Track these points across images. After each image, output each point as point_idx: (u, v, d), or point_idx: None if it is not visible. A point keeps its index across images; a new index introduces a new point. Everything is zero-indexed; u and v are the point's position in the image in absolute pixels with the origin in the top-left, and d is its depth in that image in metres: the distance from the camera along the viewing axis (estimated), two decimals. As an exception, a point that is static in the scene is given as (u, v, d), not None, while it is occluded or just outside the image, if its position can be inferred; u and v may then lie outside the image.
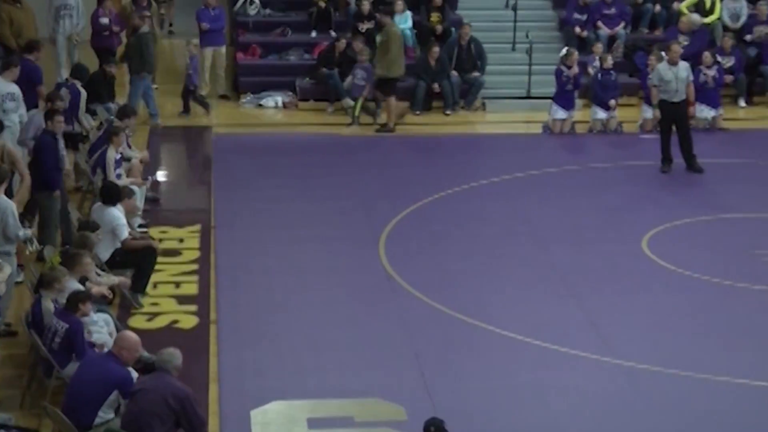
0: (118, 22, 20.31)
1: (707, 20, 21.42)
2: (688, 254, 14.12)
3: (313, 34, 21.60)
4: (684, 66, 17.35)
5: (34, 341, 10.44)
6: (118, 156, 14.62)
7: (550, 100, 19.49)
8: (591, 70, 20.00)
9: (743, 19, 21.54)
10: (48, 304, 10.51)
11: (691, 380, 11.10)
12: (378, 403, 10.64)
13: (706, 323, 12.45)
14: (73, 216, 13.69)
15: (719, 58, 19.97)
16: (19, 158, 13.44)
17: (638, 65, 20.27)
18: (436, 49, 20.21)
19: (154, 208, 15.51)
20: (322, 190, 16.49)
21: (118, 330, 10.82)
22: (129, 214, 13.34)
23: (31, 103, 16.15)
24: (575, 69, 19.25)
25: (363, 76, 19.41)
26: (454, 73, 20.38)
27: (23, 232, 11.77)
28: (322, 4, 21.59)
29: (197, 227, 14.93)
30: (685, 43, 20.01)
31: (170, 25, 25.83)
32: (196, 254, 14.07)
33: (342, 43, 20.16)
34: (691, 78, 17.49)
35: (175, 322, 12.28)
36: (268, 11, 22.29)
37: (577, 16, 21.51)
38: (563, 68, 19.26)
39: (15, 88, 15.17)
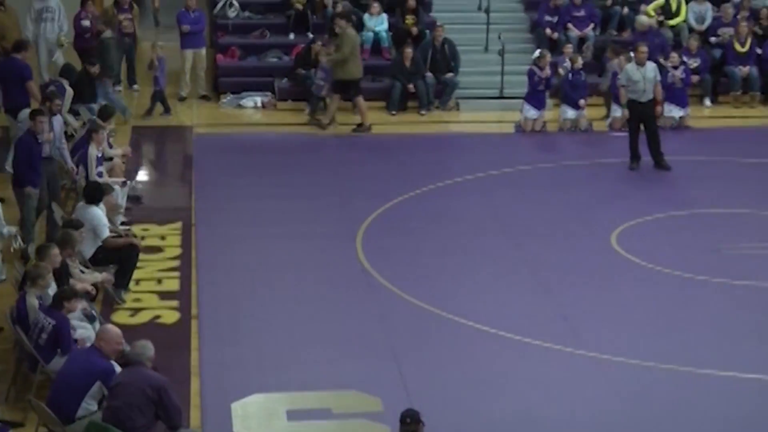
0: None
1: (672, 22, 21.53)
2: (656, 249, 14.17)
3: (291, 36, 21.58)
4: (651, 67, 17.42)
5: (19, 337, 10.41)
6: (99, 154, 14.59)
7: (521, 100, 19.53)
8: (561, 71, 20.05)
9: (708, 21, 21.64)
10: (33, 301, 10.48)
11: (659, 371, 11.15)
12: (355, 395, 10.65)
13: (673, 316, 12.50)
14: (57, 214, 13.64)
15: (685, 59, 20.06)
16: None
17: (607, 66, 20.32)
18: (410, 50, 20.24)
19: (136, 206, 15.47)
20: (300, 188, 16.49)
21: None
22: (110, 211, 13.31)
23: (22, 101, 16.14)
24: (547, 70, 19.31)
25: (322, 77, 19.42)
26: (429, 74, 20.40)
27: (7, 230, 11.73)
28: (300, 7, 21.57)
29: (178, 225, 14.91)
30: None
31: (157, 11, 25.93)
32: (178, 251, 14.05)
33: (318, 45, 20.16)
34: (659, 78, 17.56)
35: (157, 317, 12.27)
36: (247, 14, 22.26)
37: (547, 18, 21.56)
38: (536, 69, 19.31)
39: None
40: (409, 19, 21.23)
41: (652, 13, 21.33)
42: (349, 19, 19.54)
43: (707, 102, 20.87)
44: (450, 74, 20.48)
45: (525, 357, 11.49)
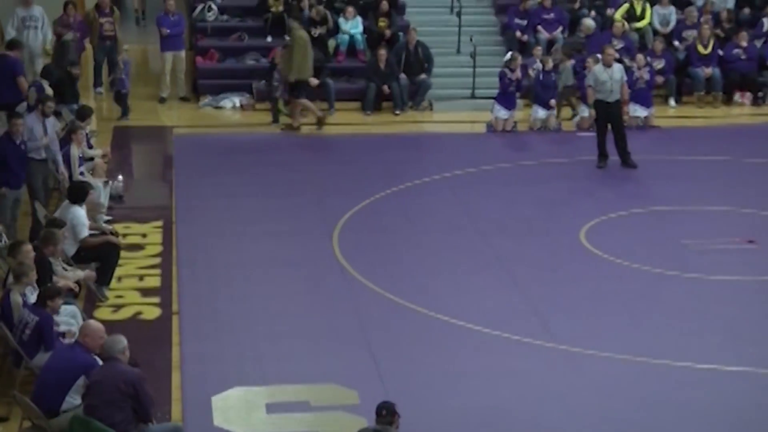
0: (79, 29, 20.16)
1: (638, 25, 21.60)
2: (623, 245, 14.21)
3: (269, 39, 21.52)
4: (618, 68, 17.47)
5: (3, 333, 10.33)
6: (80, 154, 14.50)
7: (493, 100, 19.55)
8: (531, 73, 20.09)
9: (672, 24, 21.73)
10: (17, 298, 10.41)
11: (628, 363, 11.18)
12: (332, 388, 10.63)
13: (639, 309, 12.53)
14: (39, 213, 13.56)
15: (650, 61, 20.12)
16: None
17: (576, 68, 20.36)
18: (384, 52, 20.23)
19: (117, 205, 15.40)
20: (278, 186, 16.45)
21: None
22: (91, 210, 13.24)
23: (13, 97, 16.09)
24: (518, 72, 19.34)
25: (277, 78, 19.40)
26: (403, 75, 20.40)
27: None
28: (276, 10, 21.50)
29: (159, 223, 14.85)
30: (620, 46, 20.17)
31: (143, 12, 25.91)
32: (159, 249, 13.99)
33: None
34: (625, 79, 17.60)
35: (139, 313, 12.21)
36: (225, 17, 22.19)
37: (517, 21, 21.60)
38: (507, 71, 19.33)
39: None
40: (382, 22, 21.23)
41: (620, 18, 21.42)
42: (300, 20, 19.51)
43: (672, 102, 20.96)
44: (423, 76, 20.48)
45: (497, 350, 11.49)
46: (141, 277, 13.13)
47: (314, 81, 19.99)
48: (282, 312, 12.35)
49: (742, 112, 20.82)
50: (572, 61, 19.68)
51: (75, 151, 14.33)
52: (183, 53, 20.87)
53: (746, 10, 22.39)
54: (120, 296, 12.56)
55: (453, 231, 14.77)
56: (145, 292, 12.75)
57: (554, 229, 14.81)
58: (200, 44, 21.67)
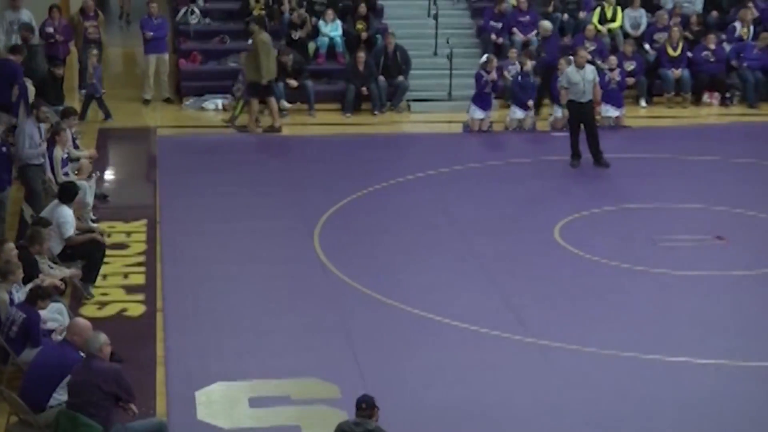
0: (64, 32, 20.09)
1: (612, 26, 21.67)
2: (596, 241, 14.25)
3: (250, 42, 21.44)
4: (590, 69, 17.50)
5: (-10, 330, 10.29)
6: (65, 155, 14.44)
7: (469, 101, 19.57)
8: (507, 74, 20.12)
9: (643, 26, 21.80)
10: (3, 296, 10.37)
11: (600, 356, 11.21)
12: (314, 383, 10.62)
13: (611, 304, 12.57)
14: (26, 213, 13.49)
15: (622, 62, 20.17)
16: None
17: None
18: (362, 55, 20.24)
19: (102, 204, 15.34)
20: (260, 186, 16.42)
21: (70, 318, 10.70)
22: (78, 209, 13.19)
23: (10, 100, 16.05)
24: (494, 74, 19.37)
25: (241, 80, 19.39)
26: (381, 77, 20.40)
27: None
28: (257, 13, 21.46)
29: (144, 222, 14.80)
30: (592, 48, 20.22)
31: (128, 15, 25.79)
32: (143, 247, 13.95)
33: (275, 51, 20.11)
34: (597, 80, 17.65)
35: (124, 310, 12.17)
36: (207, 20, 22.14)
37: (493, 23, 21.62)
38: (483, 73, 19.35)
39: None
40: (360, 24, 21.22)
41: (595, 22, 21.49)
42: (262, 24, 19.49)
43: (642, 102, 21.03)
44: (401, 78, 20.49)
45: (473, 344, 11.50)
46: (126, 275, 13.09)
47: (293, 83, 20.00)
48: (264, 308, 12.33)
49: (710, 112, 20.90)
50: (533, 63, 19.69)
51: (58, 153, 14.27)
52: (166, 56, 20.82)
53: (714, 14, 22.48)
54: (105, 294, 12.52)
55: (431, 229, 14.78)
56: (130, 289, 12.71)
57: (529, 226, 14.83)
58: (183, 47, 21.61)
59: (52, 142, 14.41)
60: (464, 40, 22.01)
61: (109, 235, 13.89)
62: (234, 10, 22.05)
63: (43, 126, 14.54)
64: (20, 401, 9.15)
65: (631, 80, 20.44)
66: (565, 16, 22.10)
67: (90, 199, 14.40)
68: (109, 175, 17.21)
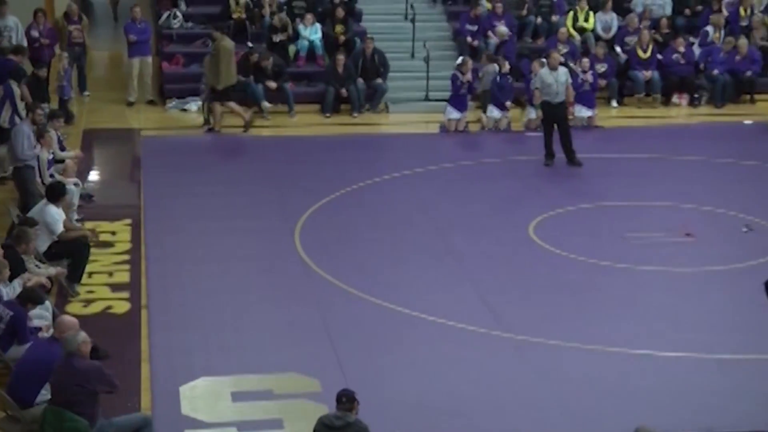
0: (49, 36, 20.01)
1: (586, 25, 21.71)
2: (569, 238, 14.28)
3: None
4: (563, 71, 17.55)
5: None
6: (50, 156, 14.38)
7: (445, 103, 19.59)
8: (481, 75, 20.15)
9: (614, 30, 21.88)
10: (-10, 294, 10.33)
11: (574, 350, 11.24)
12: (295, 377, 10.62)
13: (585, 299, 12.61)
14: (12, 213, 13.43)
15: (594, 64, 20.23)
16: None
17: (523, 71, 20.48)
18: (341, 57, 20.24)
19: (88, 204, 15.29)
20: (242, 185, 16.39)
21: (55, 316, 10.65)
22: (65, 209, 13.14)
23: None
24: (469, 75, 19.39)
25: (204, 82, 19.38)
26: (360, 79, 20.40)
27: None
28: (237, 17, 21.43)
29: (128, 221, 14.76)
30: (564, 51, 20.28)
31: (115, 15, 25.76)
32: (128, 246, 13.90)
33: (255, 56, 20.13)
34: (570, 81, 17.70)
35: (109, 307, 12.13)
36: (190, 24, 22.09)
37: (468, 27, 21.65)
38: (458, 74, 19.37)
39: None
40: (339, 28, 21.22)
41: (569, 25, 21.55)
42: (222, 30, 19.47)
43: (614, 103, 21.10)
44: (379, 80, 20.49)
45: (450, 339, 11.52)
46: (111, 273, 13.04)
47: (272, 85, 19.97)
48: (246, 305, 12.31)
49: (679, 112, 20.99)
50: (495, 66, 19.70)
51: (44, 154, 14.21)
52: (149, 59, 20.77)
53: (683, 17, 22.57)
54: (91, 291, 12.48)
55: (409, 226, 14.79)
56: (115, 287, 12.67)
57: (504, 224, 14.86)
58: (166, 50, 21.55)
59: (37, 144, 14.34)
60: (440, 43, 22.03)
61: (97, 235, 13.84)
62: (215, 14, 21.98)
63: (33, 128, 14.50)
64: (7, 397, 9.10)
65: (602, 82, 20.50)
66: (539, 19, 22.15)
67: (75, 201, 14.35)
68: (94, 175, 17.15)
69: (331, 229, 14.69)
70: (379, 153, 18.53)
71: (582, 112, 19.57)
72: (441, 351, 11.24)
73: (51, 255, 12.33)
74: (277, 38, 20.90)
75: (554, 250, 13.90)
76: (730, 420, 9.72)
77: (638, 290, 12.87)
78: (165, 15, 21.95)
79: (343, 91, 20.17)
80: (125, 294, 12.48)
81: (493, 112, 19.49)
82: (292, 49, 21.17)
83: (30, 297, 10.23)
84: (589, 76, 19.74)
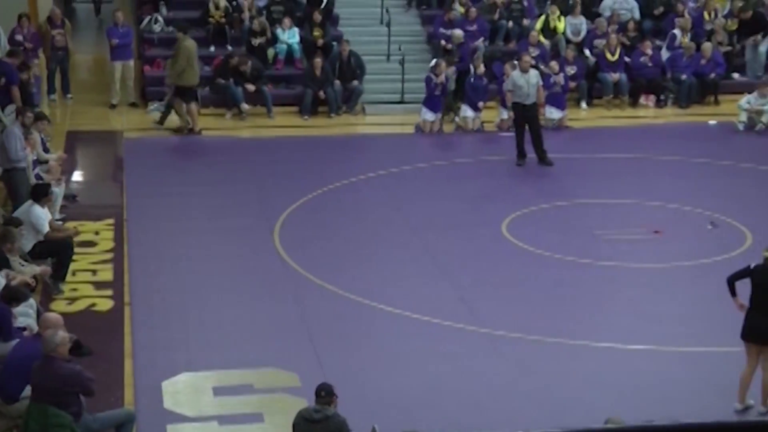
0: (33, 40, 19.89)
1: (558, 24, 21.76)
2: (541, 236, 14.31)
3: (212, 48, 21.38)
4: (534, 73, 17.58)
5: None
6: (34, 158, 14.29)
7: (420, 104, 19.59)
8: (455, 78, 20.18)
9: (583, 33, 21.93)
10: (-25, 292, 10.25)
11: (546, 344, 11.27)
12: (275, 372, 10.59)
13: (556, 294, 12.64)
14: (-2, 213, 13.36)
15: (564, 67, 20.27)
16: None
17: (495, 73, 20.50)
18: (319, 60, 20.21)
19: (71, 204, 15.20)
20: (222, 186, 16.34)
21: (40, 313, 10.59)
22: (51, 209, 13.08)
23: (7, 101, 16.10)
24: (442, 77, 19.39)
25: (168, 83, 19.33)
26: (337, 81, 20.37)
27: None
28: (216, 20, 21.35)
29: (111, 221, 14.68)
30: (535, 53, 20.31)
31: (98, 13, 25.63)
32: (111, 245, 13.84)
33: (235, 59, 20.07)
34: (541, 83, 17.72)
35: (93, 305, 12.07)
36: (170, 28, 21.93)
37: (442, 30, 21.64)
38: (432, 76, 19.37)
39: None
40: (317, 32, 21.19)
41: (539, 29, 21.59)
42: (185, 31, 19.41)
43: (583, 105, 21.14)
44: (355, 82, 20.47)
45: (427, 334, 11.52)
46: (94, 272, 12.98)
47: (251, 87, 19.92)
48: (227, 302, 12.27)
49: (646, 113, 21.06)
50: (453, 69, 19.73)
51: (29, 157, 14.10)
52: (131, 62, 20.67)
53: (651, 21, 22.66)
54: (75, 289, 12.41)
55: (385, 225, 14.78)
56: (99, 285, 12.60)
57: (478, 222, 14.87)
58: (148, 54, 21.45)
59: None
60: (415, 47, 22.02)
61: (78, 233, 13.77)
62: (196, 18, 21.88)
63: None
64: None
65: (572, 84, 20.55)
66: (510, 23, 22.18)
67: (59, 201, 14.28)
68: (77, 176, 17.06)
69: (310, 227, 14.66)
70: (355, 153, 18.52)
71: (553, 113, 19.61)
72: (417, 345, 11.24)
73: (36, 254, 12.27)
74: (256, 42, 20.85)
75: (527, 247, 13.92)
76: (695, 410, 9.75)
77: (608, 285, 12.92)
78: (146, 19, 21.84)
79: (321, 93, 20.14)
80: (108, 292, 12.42)
81: (467, 112, 19.50)
82: (270, 52, 21.12)
83: (14, 295, 10.16)
84: (561, 79, 19.78)
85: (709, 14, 22.33)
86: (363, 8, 22.89)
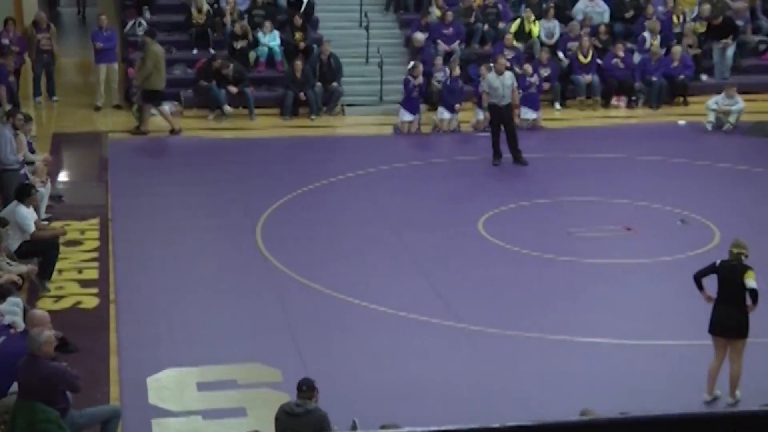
0: (19, 43, 19.78)
1: (532, 28, 21.79)
2: (516, 233, 14.33)
3: (194, 51, 21.31)
4: (509, 75, 17.61)
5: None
6: (21, 159, 14.20)
7: (398, 105, 19.58)
8: (433, 80, 20.18)
9: (556, 36, 21.98)
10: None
11: (521, 339, 11.28)
12: (257, 368, 10.57)
13: (532, 290, 12.66)
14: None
15: (538, 69, 20.32)
16: None
17: (471, 76, 20.52)
18: (299, 63, 20.18)
19: (57, 204, 15.12)
20: (205, 186, 16.29)
21: (26, 311, 10.52)
22: (37, 209, 13.01)
23: None
24: (420, 79, 19.40)
25: (137, 85, 19.28)
26: (319, 84, 20.34)
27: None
28: (198, 22, 21.29)
29: (96, 220, 14.62)
30: (510, 56, 20.34)
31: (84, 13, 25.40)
32: (96, 244, 13.77)
33: (218, 62, 20.02)
34: (516, 85, 17.75)
35: (79, 303, 12.01)
36: (154, 32, 21.89)
37: (419, 34, 21.64)
38: (410, 78, 19.38)
39: None
40: (298, 35, 21.15)
41: (513, 32, 21.62)
42: (153, 35, 19.36)
43: (557, 106, 21.19)
44: (335, 84, 20.45)
45: (406, 330, 11.52)
46: (80, 270, 12.91)
47: (233, 89, 19.88)
48: (210, 299, 12.24)
49: (618, 114, 21.13)
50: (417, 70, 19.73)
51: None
52: (116, 65, 20.59)
53: (621, 24, 22.72)
54: (61, 287, 12.35)
55: (365, 223, 14.77)
56: (84, 283, 12.54)
57: (455, 220, 14.88)
58: (132, 57, 21.28)
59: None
60: (393, 50, 22.01)
61: (65, 233, 13.71)
62: (179, 22, 21.83)
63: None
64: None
65: (546, 85, 20.59)
66: (486, 26, 22.21)
67: (45, 202, 14.20)
68: (63, 176, 16.97)
69: (291, 226, 14.64)
70: (336, 154, 18.49)
71: (527, 114, 19.64)
72: (397, 341, 11.24)
73: (22, 253, 12.20)
74: (238, 45, 20.80)
75: (503, 245, 13.94)
76: (667, 402, 9.79)
77: (581, 281, 12.95)
78: (130, 23, 21.73)
79: (302, 95, 20.11)
80: (94, 290, 12.36)
81: (444, 113, 19.52)
82: (252, 55, 21.08)
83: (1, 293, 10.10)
84: (535, 80, 19.82)
85: (678, 17, 22.42)
86: (342, 12, 22.86)
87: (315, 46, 21.06)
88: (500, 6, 22.46)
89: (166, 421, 9.67)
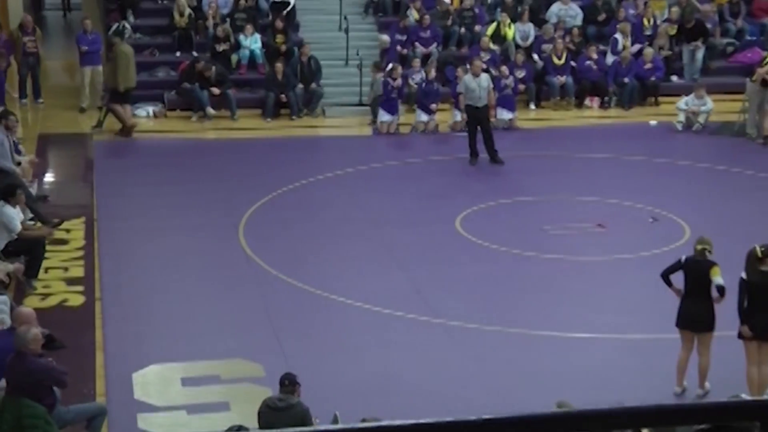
0: (5, 47, 19.67)
1: (507, 31, 21.83)
2: (492, 231, 14.36)
3: (178, 54, 21.25)
4: (485, 77, 17.63)
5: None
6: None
7: (378, 106, 19.57)
8: (411, 81, 20.19)
9: (531, 38, 22.03)
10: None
11: (498, 334, 11.30)
12: (240, 363, 10.55)
13: (508, 287, 12.69)
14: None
15: (513, 71, 20.35)
16: None
17: (448, 77, 20.54)
18: (281, 65, 20.14)
19: (43, 204, 15.02)
20: (189, 185, 16.24)
21: (13, 309, 10.47)
22: (23, 209, 12.94)
23: None
24: (399, 81, 19.39)
25: (105, 87, 19.21)
26: (300, 85, 20.32)
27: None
28: (181, 26, 21.22)
29: (82, 220, 14.55)
30: (487, 58, 20.36)
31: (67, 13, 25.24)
32: (82, 243, 13.71)
33: (201, 64, 19.97)
34: (492, 86, 17.77)
35: (65, 300, 11.96)
36: (138, 35, 21.80)
37: (398, 37, 21.66)
38: (389, 80, 19.37)
39: None
40: (279, 38, 21.12)
41: (490, 35, 21.66)
42: (122, 36, 19.30)
43: (532, 106, 21.23)
44: (314, 84, 20.42)
45: (385, 325, 11.52)
46: (66, 269, 12.85)
47: (216, 91, 19.84)
48: (194, 296, 12.21)
49: (591, 114, 21.19)
50: (381, 74, 19.70)
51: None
52: (100, 67, 20.47)
53: (594, 27, 22.80)
54: (47, 286, 12.29)
55: (345, 222, 14.76)
56: (70, 281, 12.49)
57: (433, 219, 14.89)
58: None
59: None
60: (372, 52, 22.00)
61: (55, 231, 13.64)
62: (162, 25, 21.76)
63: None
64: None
65: (521, 87, 20.63)
66: (463, 29, 22.24)
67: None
68: (49, 177, 16.88)
69: (273, 224, 14.62)
70: (316, 154, 18.47)
71: (503, 114, 19.67)
72: (376, 336, 11.24)
73: (8, 252, 12.12)
74: (220, 48, 20.76)
75: (479, 242, 13.96)
76: (639, 394, 9.84)
77: (556, 277, 12.98)
78: (114, 26, 21.64)
79: (283, 96, 20.08)
80: (80, 288, 12.30)
81: (421, 115, 19.52)
82: (234, 58, 21.03)
83: None
84: (510, 81, 19.85)
85: (648, 20, 22.51)
86: (323, 15, 22.85)
87: (296, 48, 21.04)
88: (476, 9, 22.50)
89: (151, 416, 9.64)
